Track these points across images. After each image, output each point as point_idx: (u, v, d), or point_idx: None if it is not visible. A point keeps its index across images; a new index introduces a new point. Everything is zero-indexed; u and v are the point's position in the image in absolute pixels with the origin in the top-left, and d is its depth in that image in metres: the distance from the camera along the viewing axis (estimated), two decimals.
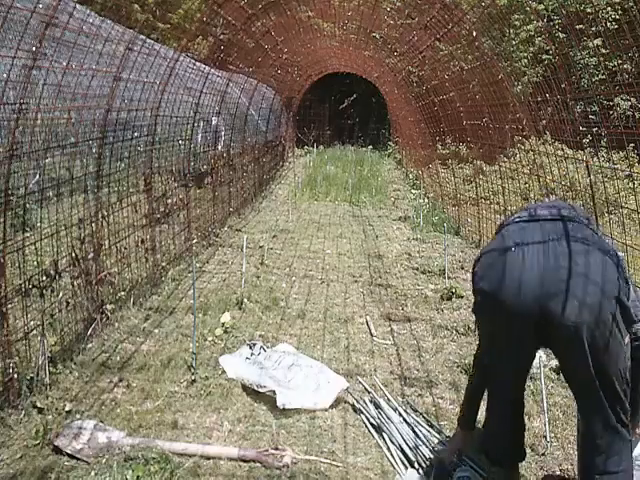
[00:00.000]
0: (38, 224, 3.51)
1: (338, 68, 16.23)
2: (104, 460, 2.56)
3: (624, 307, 1.95)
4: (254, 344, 3.69)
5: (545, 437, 2.81)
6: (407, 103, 11.39)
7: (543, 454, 2.72)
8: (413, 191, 10.71)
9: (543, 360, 3.35)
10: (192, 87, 6.57)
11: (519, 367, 2.29)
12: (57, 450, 2.60)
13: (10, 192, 2.96)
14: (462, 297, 4.90)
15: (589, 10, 7.27)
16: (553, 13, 9.62)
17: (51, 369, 3.18)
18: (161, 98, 5.18)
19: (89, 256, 3.81)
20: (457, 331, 4.23)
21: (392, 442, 2.78)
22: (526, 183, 7.18)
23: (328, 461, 2.65)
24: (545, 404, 2.88)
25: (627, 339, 2.01)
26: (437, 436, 2.81)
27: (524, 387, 2.45)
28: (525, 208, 2.31)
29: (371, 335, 4.19)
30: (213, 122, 7.90)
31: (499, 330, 2.16)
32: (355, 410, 3.12)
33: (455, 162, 9.61)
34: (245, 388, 3.27)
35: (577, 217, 2.10)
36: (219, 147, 8.22)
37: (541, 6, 9.53)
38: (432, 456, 2.62)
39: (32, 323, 3.19)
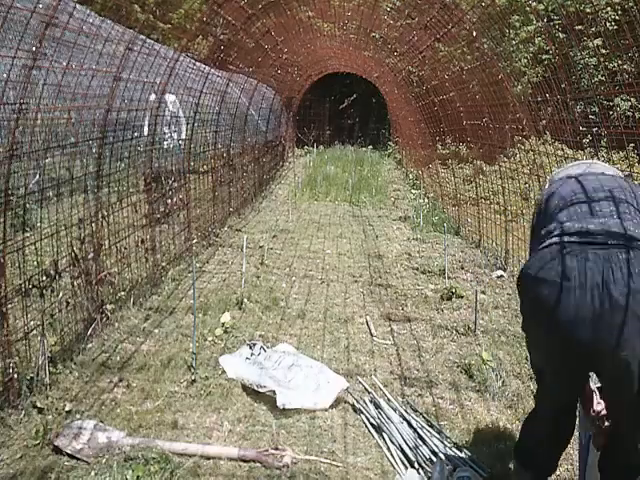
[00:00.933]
0: (38, 224, 3.51)
1: (338, 68, 16.23)
2: (104, 460, 2.56)
3: None
4: (254, 344, 3.69)
5: None
6: (407, 103, 11.39)
7: None
8: (413, 191, 10.72)
9: None
10: (192, 87, 6.57)
11: (565, 394, 2.13)
12: (57, 450, 2.60)
13: (10, 192, 2.96)
14: (462, 297, 4.90)
15: (589, 10, 7.27)
16: (553, 13, 9.62)
17: (51, 369, 3.18)
18: (161, 98, 5.18)
19: (89, 256, 3.81)
20: (457, 331, 4.23)
21: (392, 442, 2.78)
22: (526, 183, 7.17)
23: (328, 461, 2.65)
24: None
25: None
26: (437, 436, 2.81)
27: (572, 421, 2.24)
28: (583, 204, 1.98)
29: (371, 335, 4.19)
30: (168, 102, 5.99)
31: (550, 353, 2.04)
32: (355, 410, 3.12)
33: (455, 162, 9.61)
34: (245, 388, 3.27)
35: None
36: (178, 139, 6.44)
37: (541, 6, 9.52)
38: (432, 456, 2.62)
39: (32, 323, 3.19)
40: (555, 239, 1.96)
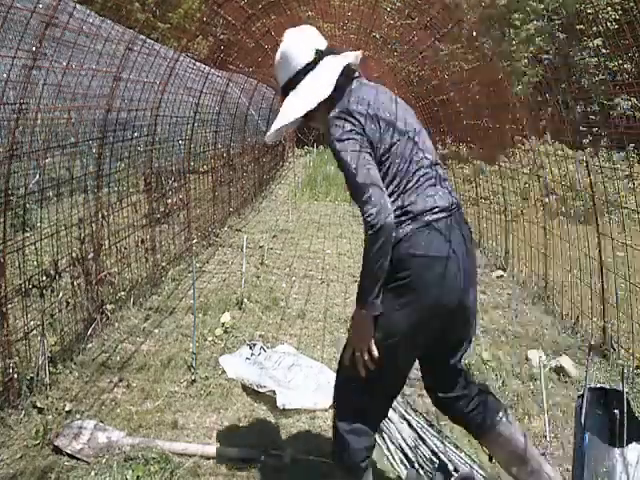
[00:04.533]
0: (38, 224, 3.51)
1: None
2: (104, 460, 2.56)
3: None
4: (254, 344, 3.69)
5: (545, 437, 2.81)
6: (407, 103, 11.37)
7: (543, 454, 2.71)
8: None
9: (543, 360, 3.36)
10: (192, 87, 6.57)
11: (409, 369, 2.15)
12: (57, 450, 2.59)
13: (10, 192, 2.96)
14: None
15: (589, 10, 7.27)
16: (553, 13, 9.62)
17: (51, 369, 3.18)
18: (161, 98, 5.18)
19: (89, 256, 3.81)
20: None
21: (392, 442, 2.77)
22: (526, 183, 7.18)
23: (328, 461, 2.64)
24: (545, 404, 2.88)
25: None
26: (437, 436, 2.81)
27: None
28: (428, 177, 2.07)
29: None
30: None
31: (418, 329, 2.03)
32: None
33: (455, 162, 9.60)
34: (245, 388, 3.27)
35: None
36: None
37: (541, 6, 9.52)
38: (432, 456, 2.62)
39: (32, 323, 3.18)
40: (426, 219, 2.01)
